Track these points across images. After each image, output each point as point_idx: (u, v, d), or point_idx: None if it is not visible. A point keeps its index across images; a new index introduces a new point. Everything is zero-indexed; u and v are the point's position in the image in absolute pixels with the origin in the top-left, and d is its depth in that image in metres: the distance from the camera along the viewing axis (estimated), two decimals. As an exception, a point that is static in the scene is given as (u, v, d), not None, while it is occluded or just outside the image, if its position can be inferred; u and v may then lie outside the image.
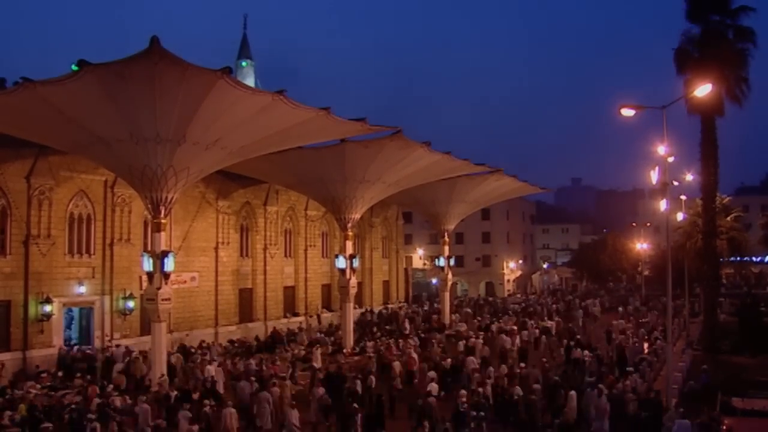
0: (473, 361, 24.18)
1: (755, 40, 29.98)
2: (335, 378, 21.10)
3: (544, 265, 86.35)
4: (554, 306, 47.01)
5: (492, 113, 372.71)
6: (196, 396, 19.34)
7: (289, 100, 20.10)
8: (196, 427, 16.00)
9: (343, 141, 27.11)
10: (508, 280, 71.26)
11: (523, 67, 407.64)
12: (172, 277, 22.87)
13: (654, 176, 25.99)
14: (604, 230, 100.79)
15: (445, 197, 39.46)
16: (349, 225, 31.82)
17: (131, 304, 28.30)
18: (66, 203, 26.81)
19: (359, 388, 20.11)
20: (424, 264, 66.70)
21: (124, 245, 28.55)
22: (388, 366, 23.69)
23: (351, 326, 31.68)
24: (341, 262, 31.85)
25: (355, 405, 17.49)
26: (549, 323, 35.40)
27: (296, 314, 38.58)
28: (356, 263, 32.52)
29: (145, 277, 23.51)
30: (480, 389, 19.52)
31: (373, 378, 21.60)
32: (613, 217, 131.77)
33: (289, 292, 39.35)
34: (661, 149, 20.86)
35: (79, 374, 22.36)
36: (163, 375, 21.27)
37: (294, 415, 16.63)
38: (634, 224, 77.06)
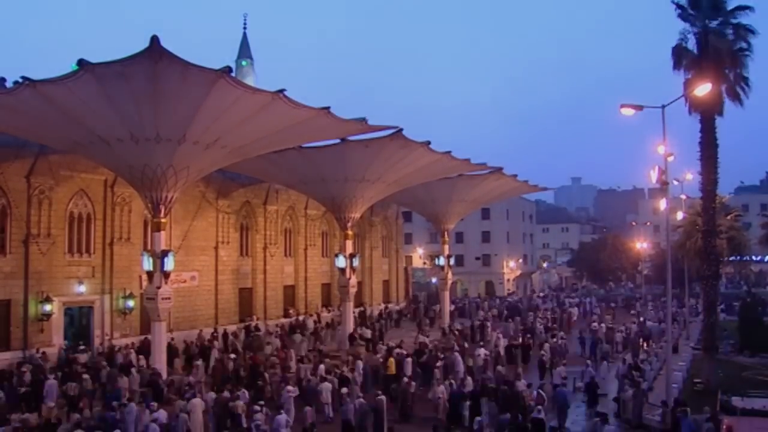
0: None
1: (752, 40, 29.89)
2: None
3: (544, 265, 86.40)
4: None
5: (492, 113, 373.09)
6: None
7: (289, 100, 20.08)
8: None
9: (343, 140, 27.10)
10: (508, 280, 71.25)
11: (522, 66, 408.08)
12: (172, 276, 22.89)
13: (653, 175, 25.92)
14: (604, 229, 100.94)
15: (445, 196, 39.44)
16: (349, 224, 31.82)
17: (131, 303, 28.31)
18: (66, 202, 26.80)
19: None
20: (424, 263, 66.68)
21: (124, 244, 28.55)
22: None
23: (351, 325, 31.67)
24: (341, 262, 31.83)
25: None
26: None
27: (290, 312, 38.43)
28: (356, 262, 32.50)
29: (145, 276, 23.52)
30: None
31: None
32: (612, 216, 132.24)
33: (289, 292, 39.37)
34: (661, 148, 20.82)
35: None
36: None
37: None
38: (633, 223, 77.25)
